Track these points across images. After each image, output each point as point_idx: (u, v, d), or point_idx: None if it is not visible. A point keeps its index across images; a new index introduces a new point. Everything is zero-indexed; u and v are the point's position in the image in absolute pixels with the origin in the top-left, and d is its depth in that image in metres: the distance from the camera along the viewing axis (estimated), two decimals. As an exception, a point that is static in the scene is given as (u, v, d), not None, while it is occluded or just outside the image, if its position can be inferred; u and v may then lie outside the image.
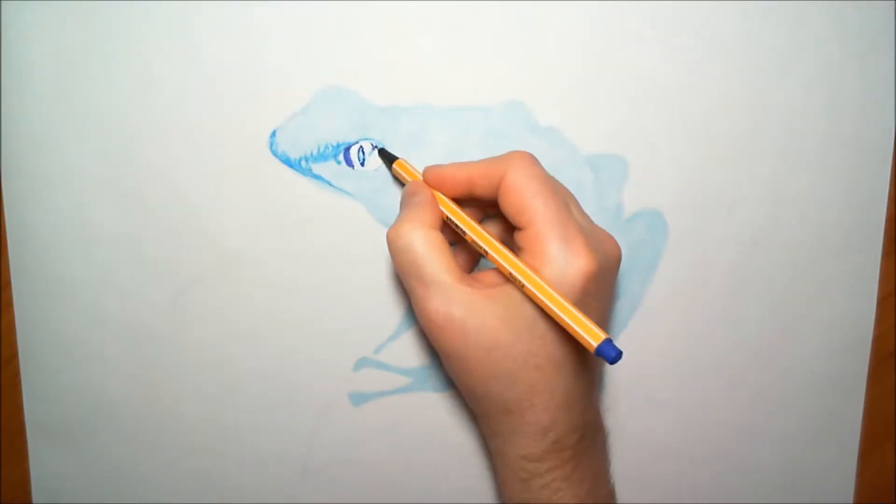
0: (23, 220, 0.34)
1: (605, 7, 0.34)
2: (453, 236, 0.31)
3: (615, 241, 0.31)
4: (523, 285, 0.28)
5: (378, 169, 0.34)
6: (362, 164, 0.34)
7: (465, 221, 0.30)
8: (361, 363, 0.36)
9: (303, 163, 0.34)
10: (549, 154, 0.33)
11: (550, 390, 0.29)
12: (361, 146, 0.34)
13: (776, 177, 0.36)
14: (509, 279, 0.29)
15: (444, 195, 0.31)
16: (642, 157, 0.35)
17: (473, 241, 0.30)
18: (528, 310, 0.28)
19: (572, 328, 0.26)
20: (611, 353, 0.25)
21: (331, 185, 0.34)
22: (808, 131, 0.35)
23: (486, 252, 0.29)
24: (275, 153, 0.34)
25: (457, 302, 0.28)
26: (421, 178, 0.31)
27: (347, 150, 0.34)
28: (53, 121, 0.33)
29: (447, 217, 0.30)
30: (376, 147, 0.34)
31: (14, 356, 0.35)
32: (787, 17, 0.34)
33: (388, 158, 0.33)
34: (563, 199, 0.29)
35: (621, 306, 0.36)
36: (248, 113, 0.33)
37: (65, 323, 0.35)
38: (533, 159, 0.29)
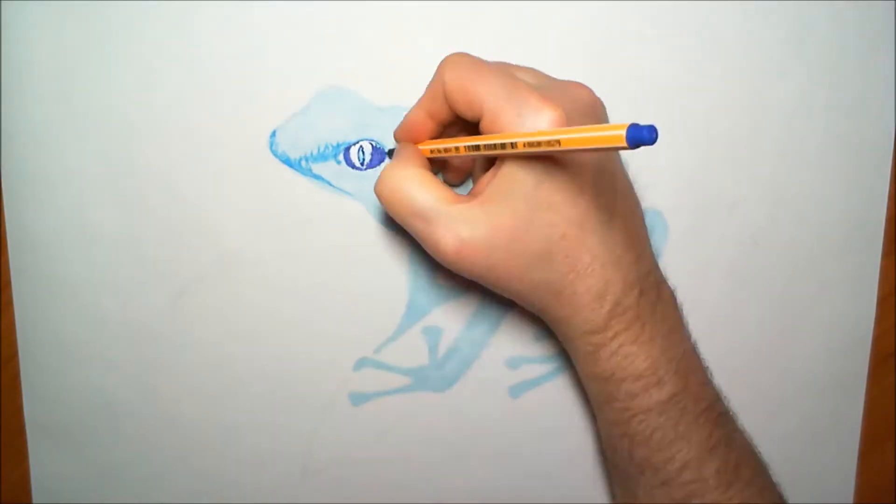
0: (23, 220, 0.34)
1: (605, 7, 0.34)
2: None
3: (584, 86, 0.29)
4: (516, 145, 0.26)
5: (378, 169, 0.34)
6: (362, 164, 0.34)
7: (444, 142, 0.29)
8: (361, 363, 0.36)
9: (303, 163, 0.34)
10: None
11: (589, 252, 0.28)
12: (361, 146, 0.34)
13: (776, 177, 0.36)
14: (496, 160, 0.27)
15: (421, 141, 0.30)
16: (642, 157, 0.35)
17: (463, 150, 0.28)
18: (525, 186, 0.27)
19: (589, 140, 0.23)
20: (643, 133, 0.21)
21: (331, 185, 0.34)
22: (808, 131, 0.35)
23: (475, 147, 0.28)
24: (275, 153, 0.34)
25: (460, 222, 0.27)
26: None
27: (347, 150, 0.34)
28: (53, 121, 0.33)
29: (435, 154, 0.30)
30: (376, 147, 0.34)
31: (14, 356, 0.35)
32: (787, 17, 0.34)
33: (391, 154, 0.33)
34: (505, 70, 0.28)
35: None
36: (248, 113, 0.33)
37: (65, 323, 0.35)
38: (463, 54, 0.29)
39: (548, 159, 0.27)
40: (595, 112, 0.29)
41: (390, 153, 0.34)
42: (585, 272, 0.28)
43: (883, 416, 0.38)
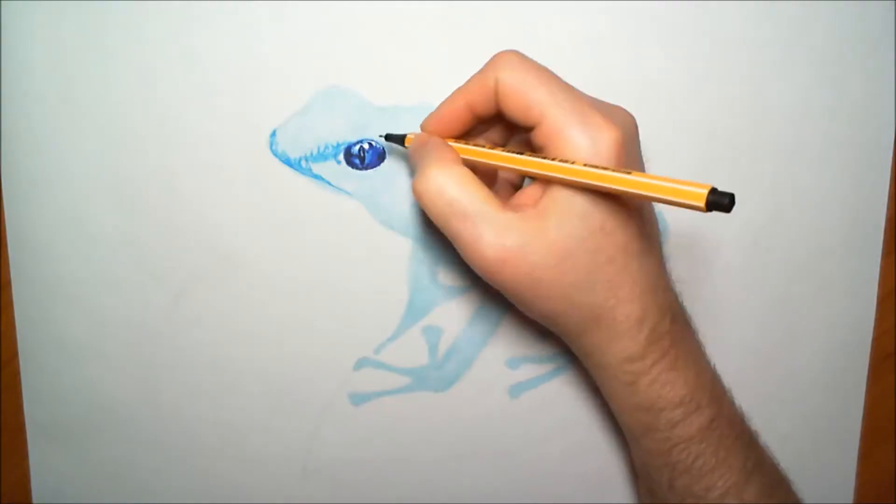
0: (23, 220, 0.34)
1: (606, 7, 0.34)
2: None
3: (625, 109, 0.29)
4: (580, 174, 0.25)
5: (378, 169, 0.34)
6: (362, 164, 0.34)
7: (481, 153, 0.29)
8: (361, 363, 0.36)
9: (303, 163, 0.34)
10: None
11: (631, 278, 0.28)
12: (361, 146, 0.34)
13: (776, 177, 0.35)
14: (552, 182, 0.27)
15: (450, 136, 0.30)
16: (642, 157, 0.35)
17: (498, 165, 0.28)
18: (583, 207, 0.26)
19: (665, 194, 0.23)
20: (724, 200, 0.21)
21: (331, 185, 0.34)
22: (808, 131, 0.35)
23: (517, 168, 0.27)
24: (275, 153, 0.34)
25: (509, 230, 0.26)
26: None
27: (347, 150, 0.34)
28: (53, 121, 0.33)
29: (469, 157, 0.29)
30: (375, 147, 0.33)
31: (14, 356, 0.35)
32: (788, 17, 0.34)
33: (397, 140, 0.32)
34: (564, 82, 0.28)
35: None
36: (248, 113, 0.33)
37: (65, 323, 0.35)
38: (520, 54, 0.28)
39: None
40: (636, 136, 0.29)
41: (388, 137, 0.33)
42: (626, 298, 0.28)
43: (883, 416, 0.38)
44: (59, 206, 0.34)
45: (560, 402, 0.36)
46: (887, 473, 0.39)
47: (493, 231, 0.26)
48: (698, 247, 0.36)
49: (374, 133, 0.34)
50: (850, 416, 0.38)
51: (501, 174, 0.32)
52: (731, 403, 0.31)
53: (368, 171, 0.34)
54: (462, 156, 0.29)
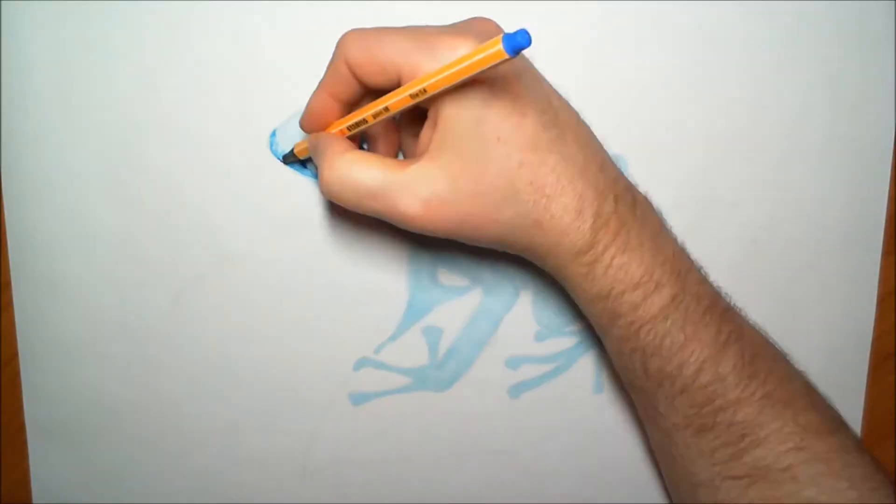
0: (23, 220, 0.34)
1: (605, 7, 0.34)
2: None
3: (488, 20, 0.29)
4: (426, 91, 0.26)
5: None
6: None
7: (354, 117, 0.29)
8: (361, 363, 0.36)
9: (302, 163, 0.34)
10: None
11: (552, 173, 0.27)
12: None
13: (776, 177, 0.35)
14: (420, 104, 0.27)
15: (329, 126, 0.30)
16: (642, 157, 0.35)
17: (378, 115, 0.28)
18: (467, 127, 0.27)
19: (475, 63, 0.24)
20: (517, 39, 0.23)
21: (331, 185, 0.34)
22: (808, 131, 0.35)
23: (388, 109, 0.27)
24: (275, 153, 0.34)
25: (416, 184, 0.27)
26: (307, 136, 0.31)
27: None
28: (53, 121, 0.33)
29: (352, 131, 0.29)
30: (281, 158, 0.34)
31: (14, 356, 0.35)
32: (787, 17, 0.34)
33: (292, 155, 0.33)
34: (404, 28, 0.28)
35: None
36: (248, 113, 0.33)
37: (65, 323, 0.35)
38: (357, 29, 0.28)
39: (479, 97, 0.26)
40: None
41: (286, 158, 0.33)
42: (555, 192, 0.28)
43: (883, 416, 0.38)
44: (58, 206, 0.34)
45: (560, 402, 0.36)
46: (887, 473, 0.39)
47: (403, 192, 0.27)
48: (698, 247, 0.36)
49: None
50: (850, 416, 0.38)
51: (403, 133, 0.32)
52: (700, 280, 0.30)
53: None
54: (352, 132, 0.29)
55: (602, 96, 0.34)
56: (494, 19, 0.33)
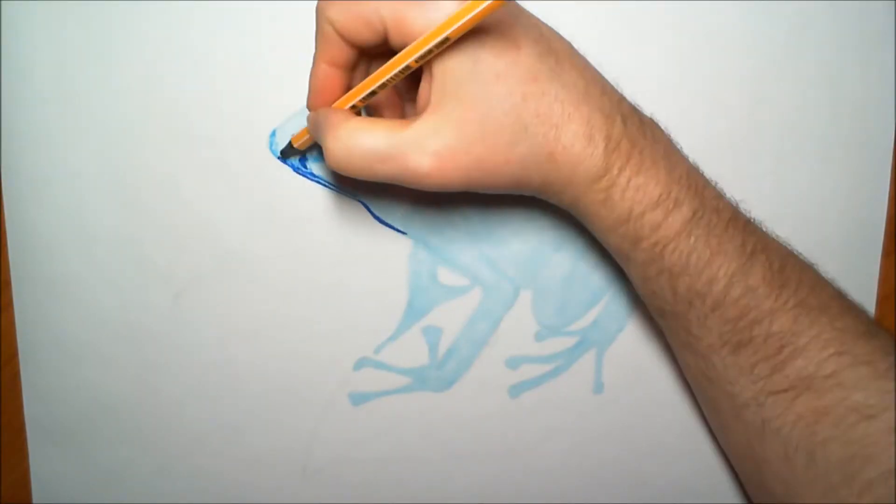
0: (23, 220, 0.34)
1: (605, 7, 0.34)
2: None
3: None
4: (427, 55, 0.26)
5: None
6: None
7: (363, 87, 0.28)
8: (361, 363, 0.36)
9: (303, 163, 0.34)
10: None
11: (556, 101, 0.27)
12: None
13: (776, 177, 0.35)
14: (424, 69, 0.27)
15: (336, 98, 0.29)
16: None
17: (383, 86, 0.28)
18: (463, 71, 0.26)
19: (470, 21, 0.24)
20: None
21: (330, 185, 0.34)
22: (808, 131, 0.35)
23: (391, 78, 0.27)
24: (275, 153, 0.34)
25: (424, 138, 0.26)
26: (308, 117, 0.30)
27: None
28: (53, 121, 0.33)
29: (358, 107, 0.29)
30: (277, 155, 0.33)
31: (14, 356, 0.35)
32: (788, 16, 0.34)
33: (290, 149, 0.33)
34: None
35: (620, 306, 0.36)
36: (248, 113, 0.33)
37: (65, 323, 0.35)
38: None
39: (470, 38, 0.26)
40: None
41: (284, 151, 0.33)
42: (563, 120, 0.27)
43: (883, 416, 0.38)
44: (59, 206, 0.34)
45: (560, 402, 0.36)
46: (887, 473, 0.39)
47: (411, 149, 0.26)
48: (698, 247, 0.36)
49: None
50: (850, 416, 0.38)
51: (403, 100, 0.32)
52: (718, 195, 0.30)
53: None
54: (352, 104, 0.29)
55: (602, 96, 0.34)
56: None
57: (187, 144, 0.33)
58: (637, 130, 0.28)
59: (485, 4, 0.24)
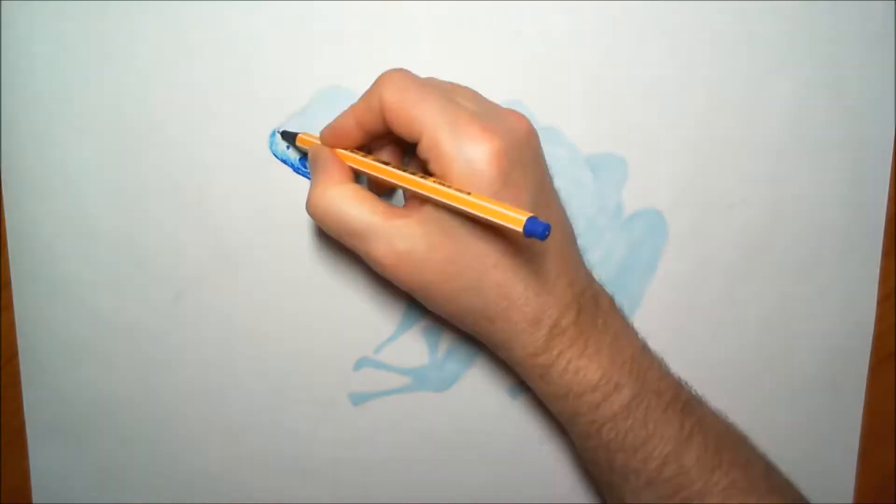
0: (23, 220, 0.34)
1: (606, 7, 0.34)
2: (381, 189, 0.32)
3: (520, 115, 0.29)
4: (432, 199, 0.27)
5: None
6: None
7: (364, 164, 0.30)
8: (361, 363, 0.36)
9: (303, 163, 0.34)
10: (549, 154, 0.33)
11: (521, 282, 0.28)
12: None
13: (776, 177, 0.35)
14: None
15: (347, 147, 0.30)
16: (642, 157, 0.35)
17: (379, 178, 0.29)
18: (458, 222, 0.28)
19: (492, 220, 0.25)
20: (538, 230, 0.24)
21: (331, 185, 0.34)
22: (808, 131, 0.35)
23: (393, 183, 0.29)
24: (275, 153, 0.34)
25: (396, 237, 0.28)
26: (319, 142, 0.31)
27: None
28: (53, 120, 0.33)
29: (355, 167, 0.30)
30: (277, 131, 0.33)
31: (14, 356, 0.35)
32: (787, 16, 0.34)
33: (290, 138, 0.33)
34: (446, 94, 0.28)
35: (620, 306, 0.36)
36: (248, 113, 0.33)
37: (65, 323, 0.35)
38: (403, 72, 0.29)
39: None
40: (530, 143, 0.29)
41: (284, 134, 0.33)
42: (518, 302, 0.28)
43: (883, 416, 0.38)
44: (59, 206, 0.34)
45: (560, 402, 0.36)
46: (887, 473, 0.39)
47: (381, 241, 0.28)
48: (698, 247, 0.36)
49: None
50: (850, 416, 0.38)
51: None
52: (660, 376, 0.31)
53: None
54: (352, 165, 0.30)
55: (602, 96, 0.34)
56: (494, 21, 0.33)
57: (187, 144, 0.33)
58: (589, 320, 0.30)
59: (507, 222, 0.25)
